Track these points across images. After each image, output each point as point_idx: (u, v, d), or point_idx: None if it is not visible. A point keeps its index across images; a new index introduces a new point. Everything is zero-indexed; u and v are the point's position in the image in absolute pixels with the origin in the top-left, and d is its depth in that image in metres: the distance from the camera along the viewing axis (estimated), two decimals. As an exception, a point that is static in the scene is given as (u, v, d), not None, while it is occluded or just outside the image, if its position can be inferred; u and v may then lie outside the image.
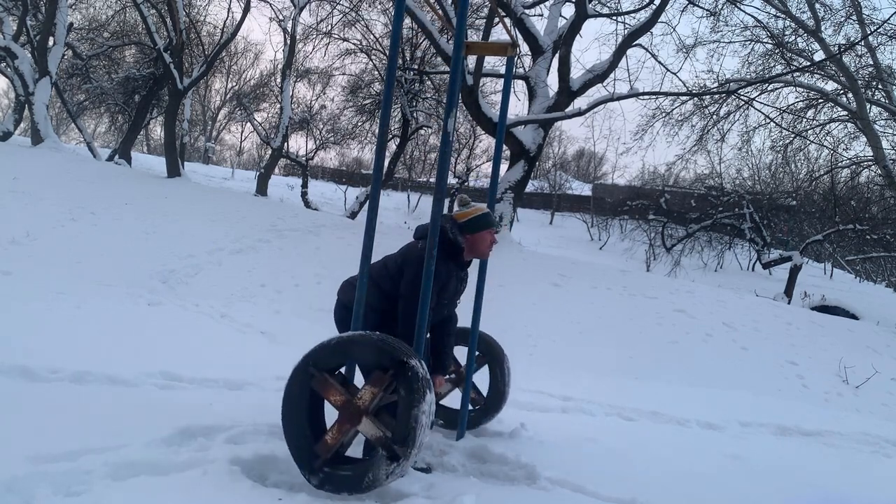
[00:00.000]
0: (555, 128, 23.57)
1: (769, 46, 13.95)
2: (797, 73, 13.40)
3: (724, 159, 32.55)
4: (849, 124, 14.31)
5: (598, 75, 11.26)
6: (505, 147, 9.47)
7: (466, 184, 24.56)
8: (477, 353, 3.68)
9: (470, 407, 3.68)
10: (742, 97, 13.42)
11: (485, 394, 3.81)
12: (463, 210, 3.14)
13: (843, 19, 13.01)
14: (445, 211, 3.01)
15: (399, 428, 2.39)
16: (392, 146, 17.33)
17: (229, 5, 29.70)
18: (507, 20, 10.27)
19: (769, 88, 14.14)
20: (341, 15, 14.68)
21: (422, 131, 19.58)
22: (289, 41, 17.64)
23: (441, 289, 2.98)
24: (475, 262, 3.34)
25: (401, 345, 2.52)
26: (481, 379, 3.85)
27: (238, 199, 12.23)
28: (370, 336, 2.56)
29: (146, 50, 17.46)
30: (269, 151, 19.55)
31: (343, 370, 2.77)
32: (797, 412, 5.50)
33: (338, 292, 3.16)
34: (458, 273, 3.13)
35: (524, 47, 11.86)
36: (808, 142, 15.32)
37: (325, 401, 2.60)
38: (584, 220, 25.28)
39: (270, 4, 17.99)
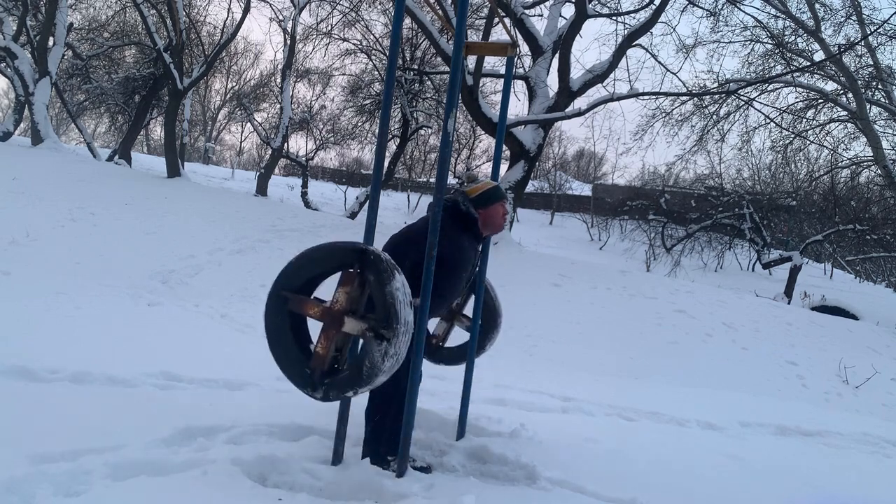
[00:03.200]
0: (555, 128, 23.58)
1: (769, 46, 13.97)
2: (797, 74, 13.42)
3: (724, 159, 32.66)
4: (849, 124, 14.33)
5: (598, 75, 11.27)
6: (505, 147, 9.47)
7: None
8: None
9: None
10: (742, 97, 13.43)
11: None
12: (472, 185, 3.15)
13: (843, 19, 13.04)
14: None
15: (378, 310, 2.41)
16: (392, 146, 17.34)
17: (229, 5, 29.72)
18: (507, 20, 10.27)
19: (769, 88, 14.15)
20: (341, 15, 14.69)
21: (422, 131, 19.60)
22: (289, 41, 17.64)
23: (462, 261, 2.98)
24: (476, 263, 3.34)
25: (353, 241, 2.56)
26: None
27: (238, 200, 12.23)
28: (323, 244, 2.60)
29: (146, 50, 17.48)
30: (269, 151, 19.55)
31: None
32: (797, 412, 5.50)
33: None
34: (476, 245, 3.15)
35: (524, 47, 11.87)
36: (808, 142, 15.35)
37: (306, 317, 2.59)
38: (584, 220, 25.28)
39: (270, 4, 18.04)
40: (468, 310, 3.71)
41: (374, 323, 2.41)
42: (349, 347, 2.60)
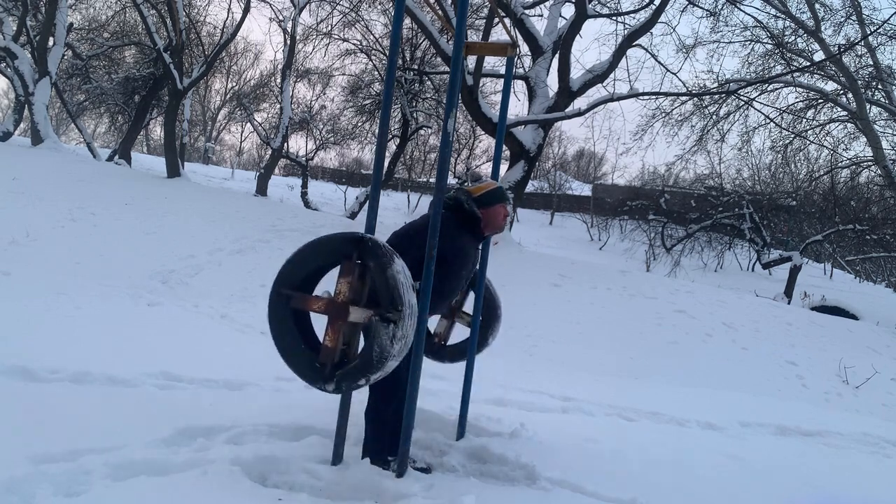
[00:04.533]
0: (554, 128, 23.59)
1: (769, 47, 13.97)
2: (797, 74, 13.41)
3: (724, 159, 32.64)
4: (849, 124, 14.33)
5: (598, 75, 11.27)
6: (505, 147, 9.47)
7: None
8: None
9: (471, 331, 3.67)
10: (742, 97, 13.43)
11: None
12: (476, 185, 3.17)
13: (842, 19, 13.05)
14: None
15: (382, 294, 2.42)
16: (392, 146, 17.34)
17: (229, 5, 29.67)
18: (506, 20, 10.27)
19: (769, 89, 14.15)
20: (341, 15, 14.69)
21: (422, 131, 19.59)
22: (289, 41, 17.64)
23: (462, 259, 3.01)
24: (476, 263, 3.34)
25: (350, 231, 2.57)
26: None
27: (238, 200, 12.23)
28: (321, 237, 2.61)
29: (146, 50, 17.47)
30: (269, 152, 19.55)
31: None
32: (797, 412, 5.50)
33: None
34: (476, 244, 3.17)
35: (524, 47, 11.87)
36: (808, 142, 15.35)
37: (310, 313, 2.59)
38: (584, 220, 25.28)
39: (270, 4, 18.03)
40: (468, 307, 3.72)
41: (380, 308, 2.42)
42: (357, 339, 2.59)
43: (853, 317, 10.42)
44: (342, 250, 2.53)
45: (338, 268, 2.57)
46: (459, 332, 3.74)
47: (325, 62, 34.12)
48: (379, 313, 2.41)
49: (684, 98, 13.43)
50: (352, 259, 2.50)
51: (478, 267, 3.45)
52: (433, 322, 3.68)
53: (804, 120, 14.75)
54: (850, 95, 12.96)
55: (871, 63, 13.22)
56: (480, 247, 3.31)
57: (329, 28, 15.43)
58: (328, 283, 2.59)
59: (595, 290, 8.54)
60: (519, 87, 12.99)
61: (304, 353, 2.54)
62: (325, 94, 23.44)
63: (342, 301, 2.48)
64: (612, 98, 10.64)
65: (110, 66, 18.90)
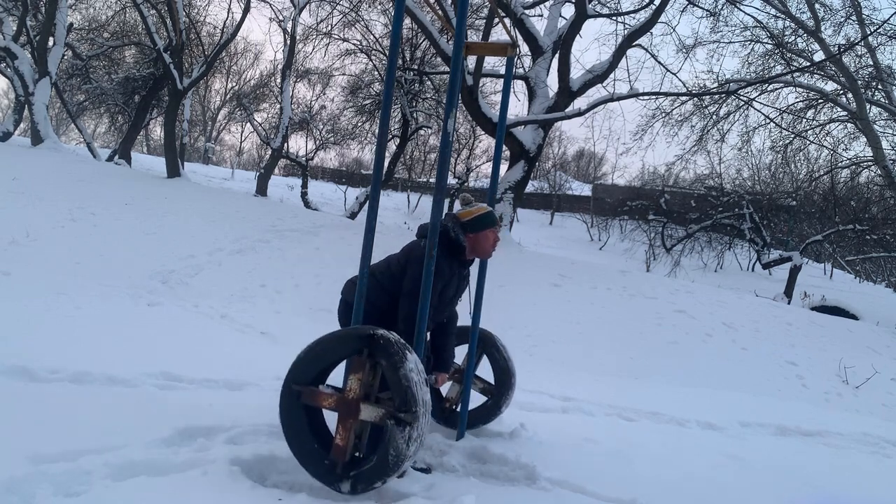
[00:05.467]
0: (554, 128, 23.60)
1: (769, 47, 13.96)
2: (797, 74, 13.40)
3: (724, 159, 32.61)
4: (849, 124, 14.32)
5: (598, 75, 11.27)
6: (505, 147, 9.47)
7: (466, 184, 24.56)
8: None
9: (487, 398, 3.71)
10: (742, 97, 13.42)
11: (492, 380, 3.79)
12: (466, 209, 3.15)
13: (842, 20, 13.03)
14: (446, 210, 3.02)
15: (395, 394, 2.41)
16: (392, 146, 17.33)
17: (229, 5, 29.61)
18: (506, 20, 10.27)
19: (769, 89, 14.14)
20: (341, 15, 14.68)
21: (422, 131, 19.59)
22: (289, 41, 17.64)
23: (443, 288, 2.99)
24: (476, 262, 3.34)
25: (360, 326, 2.58)
26: (485, 373, 3.84)
27: (238, 200, 12.23)
28: (330, 333, 2.61)
29: (146, 50, 17.47)
30: (269, 152, 19.55)
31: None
32: (797, 412, 5.50)
33: (342, 290, 3.17)
34: (461, 272, 3.15)
35: (524, 48, 11.87)
36: (808, 142, 15.33)
37: (322, 409, 2.60)
38: (583, 220, 25.27)
39: (270, 5, 18.03)
40: (481, 371, 3.76)
41: (391, 408, 2.41)
42: (367, 432, 2.60)
43: (853, 317, 10.42)
44: (353, 346, 2.53)
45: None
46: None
47: (325, 62, 34.16)
48: (392, 415, 2.40)
49: (684, 98, 13.43)
50: (361, 355, 2.49)
51: (477, 275, 3.46)
52: (445, 388, 3.70)
53: (804, 120, 14.74)
54: (850, 95, 12.95)
55: (871, 63, 13.21)
56: (467, 273, 3.27)
57: (329, 28, 15.44)
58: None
59: (595, 290, 8.54)
60: (519, 87, 13.00)
61: (317, 452, 2.54)
62: (325, 94, 23.47)
63: (353, 399, 2.48)
64: (612, 98, 10.63)
65: (110, 66, 18.90)
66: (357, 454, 2.56)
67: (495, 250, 3.23)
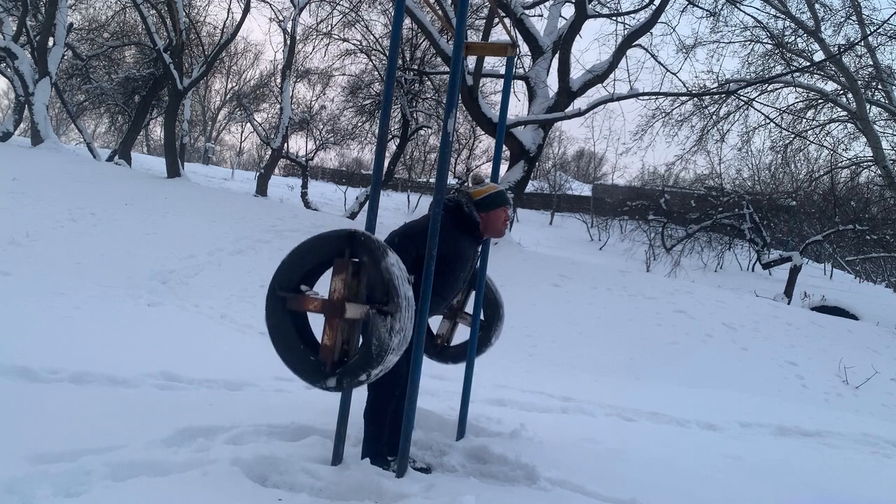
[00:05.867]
0: (554, 128, 23.57)
1: (769, 47, 13.97)
2: (797, 74, 13.41)
3: (724, 159, 32.60)
4: (849, 125, 14.33)
5: (598, 76, 11.27)
6: (505, 147, 9.47)
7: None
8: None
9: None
10: (742, 97, 13.43)
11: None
12: (478, 188, 3.15)
13: (842, 20, 13.03)
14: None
15: (377, 287, 2.41)
16: (392, 146, 17.33)
17: (229, 5, 29.63)
18: (506, 20, 10.27)
19: (769, 89, 14.15)
20: (341, 15, 14.69)
21: (422, 131, 19.59)
22: (289, 41, 17.63)
23: (459, 260, 3.00)
24: (477, 263, 3.35)
25: (338, 229, 2.57)
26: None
27: (238, 200, 12.23)
28: (312, 236, 2.61)
29: (146, 50, 17.47)
30: (269, 152, 19.55)
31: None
32: (797, 412, 5.51)
33: None
34: (475, 247, 3.16)
35: (524, 48, 11.86)
36: (808, 142, 15.35)
37: (307, 313, 2.59)
38: (583, 220, 25.26)
39: (270, 5, 17.96)
40: (469, 307, 3.73)
41: (376, 301, 2.41)
42: (356, 337, 2.58)
43: (853, 317, 10.42)
44: (334, 248, 2.52)
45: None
46: (462, 334, 3.74)
47: (325, 62, 34.14)
48: (375, 307, 2.40)
49: (684, 98, 13.43)
50: (344, 256, 2.49)
51: (477, 266, 3.46)
52: (435, 323, 3.69)
53: (804, 120, 14.75)
54: (850, 95, 12.95)
55: (871, 63, 13.21)
56: (479, 249, 3.31)
57: (329, 28, 15.45)
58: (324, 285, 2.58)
59: (595, 290, 8.54)
60: (519, 87, 13.00)
61: (304, 354, 2.52)
62: (325, 94, 23.47)
63: (338, 298, 2.47)
64: (612, 98, 10.64)
65: (110, 67, 18.89)
66: (345, 359, 2.54)
67: (496, 244, 3.24)
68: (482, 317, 3.69)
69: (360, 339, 2.57)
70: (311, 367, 2.49)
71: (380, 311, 2.39)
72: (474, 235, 3.10)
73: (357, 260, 2.49)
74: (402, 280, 2.42)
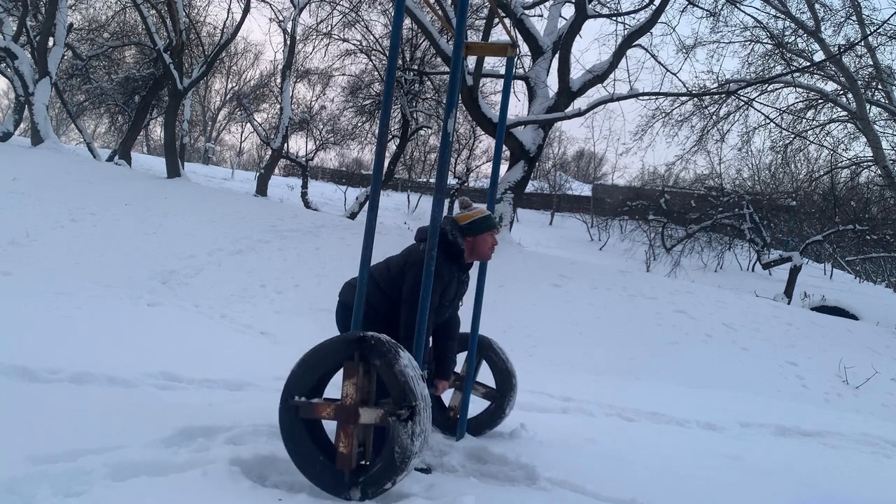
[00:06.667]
0: (554, 128, 23.56)
1: (769, 47, 13.95)
2: (797, 74, 13.40)
3: (724, 160, 32.54)
4: (849, 125, 14.31)
5: (598, 76, 11.26)
6: (505, 147, 9.47)
7: (466, 184, 24.55)
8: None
9: (490, 402, 3.70)
10: (742, 98, 13.42)
11: (493, 384, 3.78)
12: (464, 213, 3.16)
13: (842, 20, 13.01)
14: (445, 212, 3.02)
15: (393, 390, 2.41)
16: (392, 146, 17.33)
17: (229, 6, 29.57)
18: (506, 21, 10.27)
19: (769, 89, 14.14)
20: (341, 15, 14.70)
21: (422, 131, 19.59)
22: (289, 42, 17.63)
23: (443, 290, 3.00)
24: (476, 263, 3.34)
25: (350, 332, 2.58)
26: (485, 379, 3.84)
27: (238, 200, 12.23)
28: (320, 344, 2.60)
29: (146, 50, 17.47)
30: (269, 152, 19.54)
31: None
32: (797, 412, 5.50)
33: (339, 293, 3.17)
34: (460, 275, 3.15)
35: (524, 48, 11.86)
36: (808, 142, 15.33)
37: (321, 420, 2.60)
38: (583, 220, 25.26)
39: (270, 5, 17.96)
40: (482, 377, 3.75)
41: (391, 407, 2.40)
42: (371, 439, 2.59)
43: (853, 317, 10.42)
44: (344, 352, 2.52)
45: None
46: (476, 405, 3.74)
47: (325, 62, 34.15)
48: (393, 412, 2.39)
49: (684, 98, 13.43)
50: (353, 360, 2.49)
51: (477, 276, 3.46)
52: (447, 397, 3.69)
53: (804, 120, 14.74)
54: (850, 95, 12.94)
55: (871, 63, 13.20)
56: (467, 276, 3.27)
57: (329, 28, 15.45)
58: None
59: (595, 290, 8.54)
60: (519, 87, 13.00)
61: (322, 464, 2.51)
62: (325, 94, 23.47)
63: (351, 404, 2.47)
64: (612, 98, 10.63)
65: (110, 67, 18.89)
66: (363, 462, 2.54)
67: (493, 253, 3.24)
68: (493, 385, 3.73)
69: (376, 439, 2.59)
70: (331, 477, 2.48)
71: (399, 418, 2.37)
72: (458, 263, 3.11)
73: (367, 362, 2.49)
74: (417, 380, 2.41)
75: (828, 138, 15.28)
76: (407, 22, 12.49)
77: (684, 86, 13.44)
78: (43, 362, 3.60)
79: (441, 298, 3.00)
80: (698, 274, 16.30)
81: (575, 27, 11.25)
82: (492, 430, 3.67)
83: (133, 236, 8.66)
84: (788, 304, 11.69)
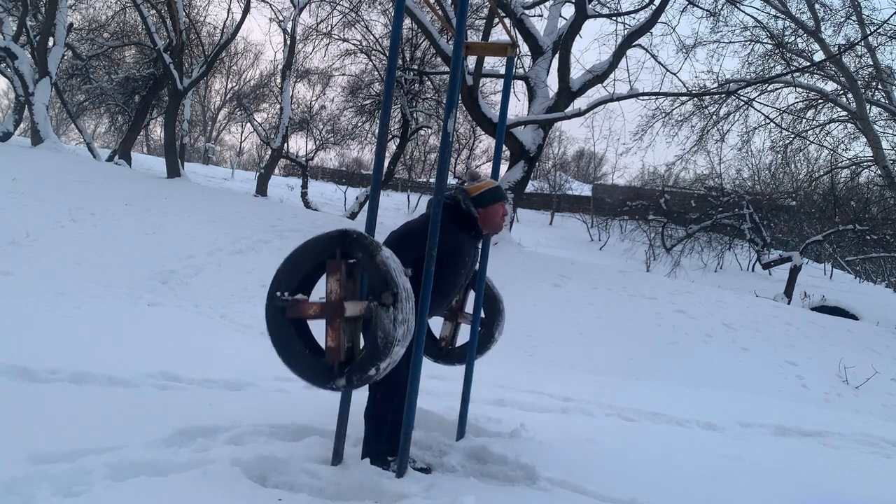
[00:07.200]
0: (554, 128, 23.56)
1: (769, 47, 13.96)
2: (797, 74, 13.41)
3: (724, 160, 32.56)
4: (849, 125, 14.32)
5: (598, 76, 11.27)
6: (505, 147, 9.47)
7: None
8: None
9: (480, 328, 3.66)
10: (742, 98, 13.43)
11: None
12: (474, 184, 3.16)
13: (842, 20, 13.03)
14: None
15: (375, 281, 2.41)
16: (392, 146, 17.33)
17: (229, 5, 29.59)
18: (506, 20, 10.27)
19: (769, 89, 14.15)
20: (341, 15, 14.70)
21: (422, 131, 19.59)
22: (289, 42, 17.62)
23: (460, 257, 3.01)
24: (477, 265, 3.35)
25: (329, 230, 2.56)
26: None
27: (238, 200, 12.23)
28: (302, 243, 2.61)
29: (146, 50, 17.47)
30: (269, 152, 19.55)
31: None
32: (797, 412, 5.50)
33: None
34: (474, 243, 3.17)
35: (524, 48, 11.86)
36: (808, 142, 15.34)
37: (307, 319, 2.57)
38: (583, 220, 25.25)
39: (270, 5, 17.96)
40: (469, 307, 3.73)
41: (375, 294, 2.41)
42: (359, 335, 2.57)
43: (853, 317, 10.42)
44: (326, 248, 2.52)
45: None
46: (465, 334, 3.73)
47: (325, 62, 34.17)
48: (376, 300, 2.40)
49: (684, 98, 13.43)
50: (336, 257, 2.49)
51: (477, 266, 3.46)
52: (437, 326, 3.69)
53: (804, 120, 14.74)
54: (850, 95, 12.95)
55: (871, 63, 13.21)
56: (480, 245, 3.31)
57: (329, 28, 15.45)
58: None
59: (595, 290, 8.54)
60: (519, 87, 12.99)
61: (310, 358, 2.50)
62: (325, 94, 23.49)
63: (335, 299, 2.46)
64: (612, 98, 10.64)
65: (110, 67, 18.89)
66: (352, 357, 2.52)
67: (495, 244, 3.25)
68: (482, 314, 3.69)
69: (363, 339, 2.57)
70: (318, 370, 2.47)
71: (382, 304, 2.38)
72: (473, 232, 3.12)
73: (351, 260, 2.49)
74: (399, 272, 2.42)
75: (828, 138, 15.30)
76: (407, 22, 12.49)
77: (684, 86, 13.47)
78: (43, 362, 3.60)
79: (457, 267, 3.02)
80: (698, 274, 16.30)
81: (575, 27, 11.25)
82: (482, 355, 3.68)
83: (133, 236, 8.65)
84: (788, 304, 11.69)
